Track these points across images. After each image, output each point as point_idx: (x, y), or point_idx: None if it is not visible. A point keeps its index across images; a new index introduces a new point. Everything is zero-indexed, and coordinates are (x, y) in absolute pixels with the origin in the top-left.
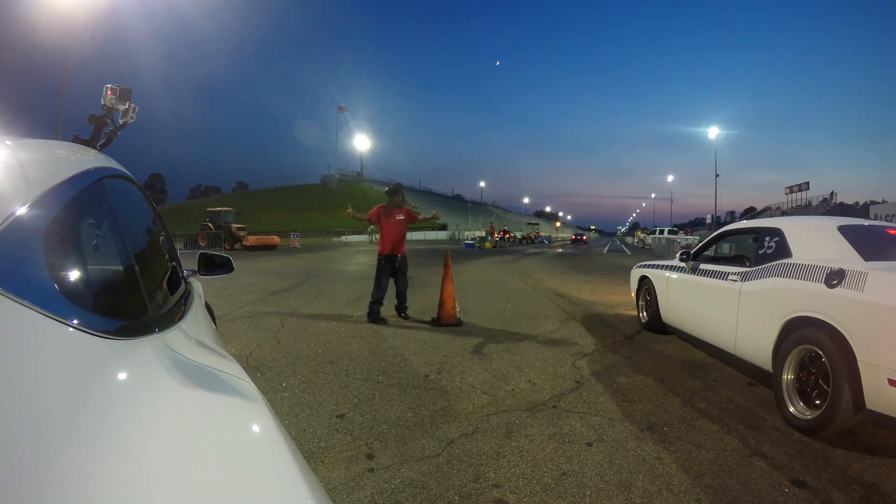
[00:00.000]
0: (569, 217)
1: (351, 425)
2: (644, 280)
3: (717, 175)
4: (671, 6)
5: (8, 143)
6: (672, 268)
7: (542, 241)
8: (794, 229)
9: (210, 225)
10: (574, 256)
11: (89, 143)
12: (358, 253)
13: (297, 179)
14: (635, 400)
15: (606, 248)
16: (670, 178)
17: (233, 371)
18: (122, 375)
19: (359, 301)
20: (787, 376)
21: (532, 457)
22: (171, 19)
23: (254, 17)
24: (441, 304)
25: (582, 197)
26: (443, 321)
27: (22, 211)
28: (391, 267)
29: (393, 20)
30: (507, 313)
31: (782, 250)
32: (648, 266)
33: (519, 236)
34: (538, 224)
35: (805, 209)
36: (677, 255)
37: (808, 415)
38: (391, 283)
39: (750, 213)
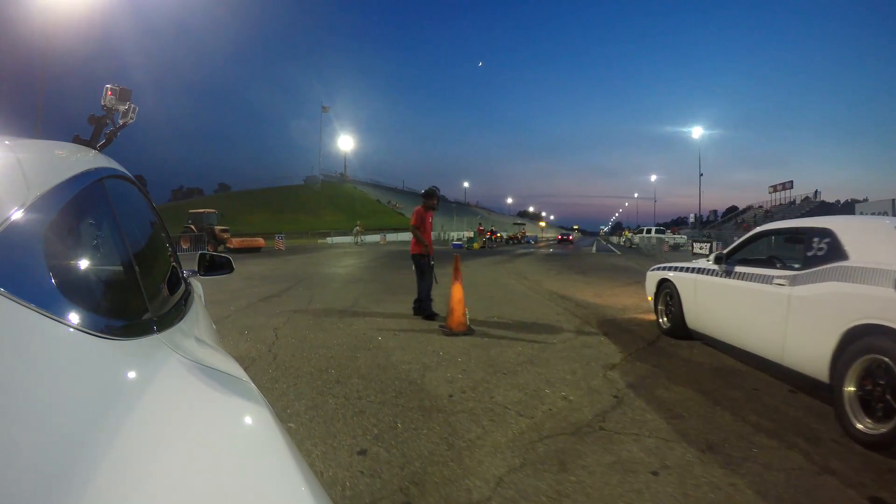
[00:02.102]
0: (552, 217)
1: (377, 464)
2: (664, 283)
3: (702, 174)
4: (653, 7)
5: (7, 143)
6: (701, 270)
7: (528, 242)
8: (846, 230)
9: (192, 227)
10: (564, 257)
11: (89, 143)
12: (345, 255)
13: (280, 181)
14: (683, 416)
15: (594, 248)
16: (653, 177)
17: (233, 371)
18: (122, 375)
19: (355, 306)
20: (850, 388)
21: (598, 493)
22: (151, 19)
23: (235, 18)
24: (451, 312)
25: (564, 197)
26: (453, 330)
27: (22, 211)
28: (432, 266)
29: (375, 21)
30: (515, 319)
31: (836, 252)
32: (669, 268)
33: (505, 237)
34: (524, 224)
35: (789, 207)
36: (712, 256)
37: (877, 429)
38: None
39: (732, 212)
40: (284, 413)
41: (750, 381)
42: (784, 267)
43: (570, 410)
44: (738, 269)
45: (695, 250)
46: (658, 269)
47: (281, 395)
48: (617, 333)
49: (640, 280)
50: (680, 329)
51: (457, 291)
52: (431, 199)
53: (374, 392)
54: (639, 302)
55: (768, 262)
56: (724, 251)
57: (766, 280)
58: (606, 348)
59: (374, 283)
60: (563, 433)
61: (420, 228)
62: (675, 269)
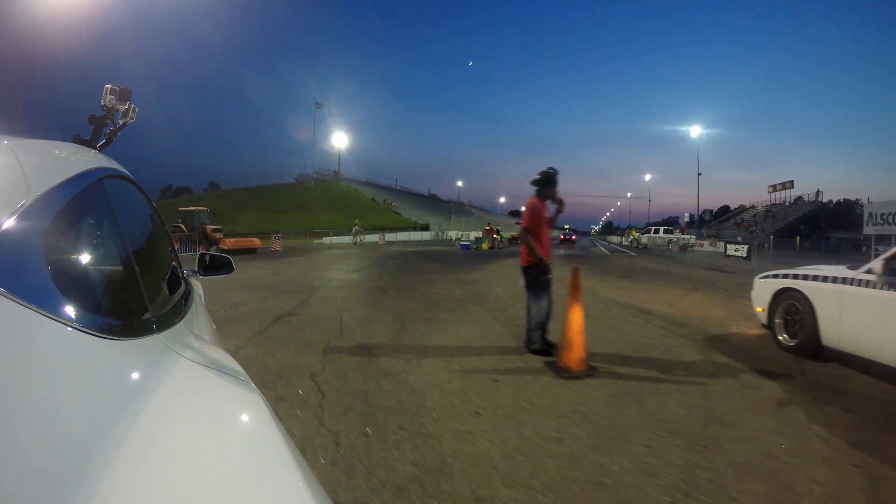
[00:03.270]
0: None
1: None
2: (786, 293)
3: (700, 174)
4: (646, 5)
5: (7, 143)
6: (848, 280)
7: None
8: None
9: (182, 226)
10: (583, 259)
11: (89, 143)
12: (348, 257)
13: (271, 179)
14: None
15: (604, 249)
16: (648, 177)
17: (233, 371)
18: (122, 375)
19: (405, 333)
20: None
21: None
22: (136, 12)
23: (224, 12)
24: (568, 346)
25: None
26: (573, 370)
27: (22, 211)
28: (550, 280)
29: (368, 19)
30: (614, 343)
31: None
32: (793, 276)
33: (506, 238)
34: None
35: (790, 207)
36: (876, 263)
37: None
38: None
39: (726, 212)
40: None
41: None
42: None
43: (839, 503)
44: None
45: (728, 252)
46: (772, 276)
47: None
48: (749, 360)
49: (697, 286)
50: (810, 347)
51: (576, 317)
52: (551, 188)
53: None
54: (724, 314)
55: None
56: (885, 258)
57: None
58: (764, 384)
59: (405, 292)
60: None
61: (533, 232)
62: (804, 277)
